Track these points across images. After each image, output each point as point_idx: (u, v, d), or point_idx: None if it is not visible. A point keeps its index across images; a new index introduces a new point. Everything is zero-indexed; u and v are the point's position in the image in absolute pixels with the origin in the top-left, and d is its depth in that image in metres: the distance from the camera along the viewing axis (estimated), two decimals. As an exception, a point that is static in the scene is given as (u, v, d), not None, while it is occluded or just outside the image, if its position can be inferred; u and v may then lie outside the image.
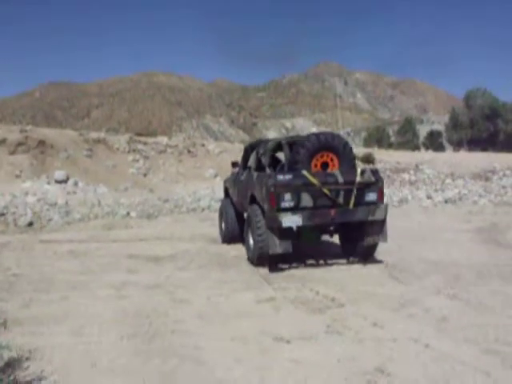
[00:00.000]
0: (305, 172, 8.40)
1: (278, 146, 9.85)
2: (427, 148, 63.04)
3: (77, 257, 10.08)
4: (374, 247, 9.10)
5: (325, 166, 8.89)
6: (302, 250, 9.72)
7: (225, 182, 12.38)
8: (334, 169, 8.83)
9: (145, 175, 26.27)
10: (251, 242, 8.97)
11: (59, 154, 24.54)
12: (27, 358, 4.68)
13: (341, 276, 8.02)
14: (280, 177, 8.31)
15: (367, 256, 9.15)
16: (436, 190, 24.03)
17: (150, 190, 23.29)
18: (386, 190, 22.77)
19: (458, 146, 66.61)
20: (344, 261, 9.17)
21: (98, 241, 12.04)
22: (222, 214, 11.60)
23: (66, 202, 18.20)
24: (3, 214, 15.37)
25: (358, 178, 8.47)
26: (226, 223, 11.23)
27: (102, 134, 30.07)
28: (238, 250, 10.27)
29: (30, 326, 5.61)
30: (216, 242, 11.59)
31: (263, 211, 8.49)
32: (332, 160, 8.91)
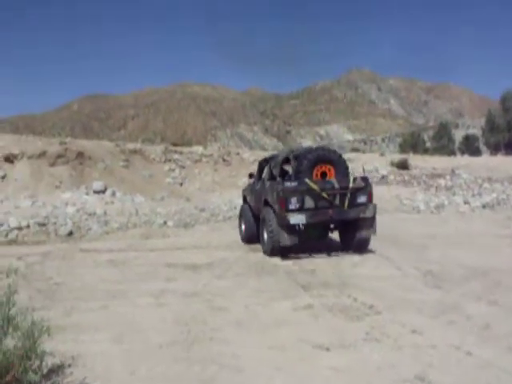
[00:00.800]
0: (307, 180, 10.21)
1: (287, 160, 11.57)
2: (463, 153, 61.84)
3: (116, 266, 10.24)
4: (367, 240, 10.68)
5: (324, 174, 10.70)
6: (340, 257, 9.87)
7: (243, 190, 14.25)
8: (331, 177, 10.60)
9: (181, 184, 26.50)
10: (265, 237, 10.75)
11: (97, 164, 24.95)
12: (70, 365, 4.78)
13: (378, 283, 7.96)
14: (287, 184, 10.21)
15: (362, 248, 10.68)
16: (473, 195, 23.51)
17: (186, 199, 23.46)
18: (422, 196, 22.79)
19: (495, 149, 64.95)
20: (381, 268, 9.10)
21: (137, 250, 12.20)
22: (241, 217, 13.19)
23: (105, 212, 18.47)
24: (44, 225, 15.68)
25: (351, 184, 10.25)
26: (245, 225, 12.75)
27: (138, 145, 30.41)
28: (274, 259, 10.33)
29: (71, 334, 5.71)
30: (252, 250, 11.64)
31: (274, 212, 10.30)
32: (329, 170, 10.75)
